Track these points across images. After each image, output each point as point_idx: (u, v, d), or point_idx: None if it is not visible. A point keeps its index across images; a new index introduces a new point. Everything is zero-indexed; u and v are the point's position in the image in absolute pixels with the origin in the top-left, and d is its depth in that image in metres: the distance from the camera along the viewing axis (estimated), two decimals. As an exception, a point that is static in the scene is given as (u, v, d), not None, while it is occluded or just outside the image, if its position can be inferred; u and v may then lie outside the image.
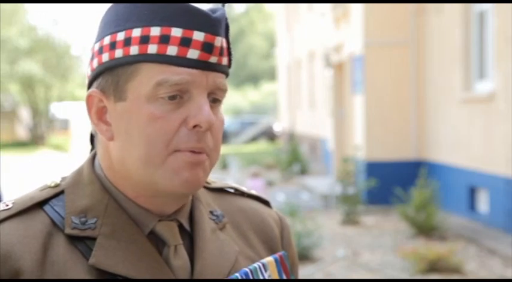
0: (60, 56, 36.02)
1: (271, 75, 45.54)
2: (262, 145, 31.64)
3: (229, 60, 1.14)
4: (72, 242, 1.09)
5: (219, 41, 1.10)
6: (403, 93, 12.01)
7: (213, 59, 1.10)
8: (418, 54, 11.91)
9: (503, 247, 8.12)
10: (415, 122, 12.00)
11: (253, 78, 52.93)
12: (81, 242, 1.09)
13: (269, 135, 33.46)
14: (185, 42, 1.08)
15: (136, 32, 1.09)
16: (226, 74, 1.14)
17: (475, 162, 9.88)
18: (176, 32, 1.08)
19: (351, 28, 12.95)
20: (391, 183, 11.28)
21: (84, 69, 38.18)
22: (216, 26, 1.09)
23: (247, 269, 1.17)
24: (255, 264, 1.19)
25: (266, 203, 1.32)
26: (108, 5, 1.14)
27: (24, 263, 1.05)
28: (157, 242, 1.13)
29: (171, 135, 1.08)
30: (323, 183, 13.95)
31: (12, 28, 34.81)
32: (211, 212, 1.21)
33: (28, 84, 35.41)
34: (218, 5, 1.13)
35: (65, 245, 1.08)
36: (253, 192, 1.33)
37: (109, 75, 1.11)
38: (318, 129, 18.61)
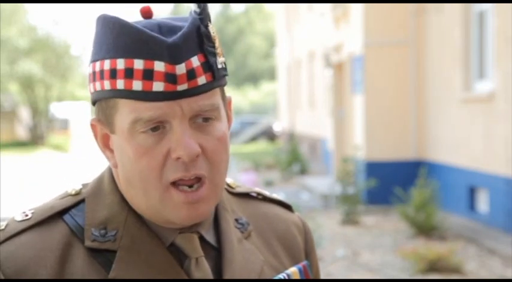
0: (60, 56, 36.01)
1: (271, 75, 45.54)
2: (262, 145, 31.65)
3: (213, 74, 1.06)
4: (91, 254, 1.07)
5: (182, 68, 1.03)
6: (403, 93, 12.01)
7: (182, 87, 1.03)
8: (418, 54, 11.90)
9: (503, 247, 8.12)
10: (415, 122, 11.99)
11: (253, 78, 52.95)
12: (101, 255, 1.07)
13: (269, 135, 33.48)
14: (147, 75, 1.03)
15: (107, 65, 1.06)
16: (218, 87, 1.08)
17: (475, 162, 9.87)
18: (138, 64, 1.03)
19: (351, 28, 12.95)
20: (391, 183, 11.28)
21: (84, 69, 38.21)
22: (174, 53, 1.02)
23: (273, 280, 1.17)
24: (280, 275, 1.19)
25: (288, 207, 1.31)
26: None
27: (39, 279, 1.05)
28: (178, 254, 1.11)
29: (158, 169, 1.05)
30: (323, 183, 13.95)
31: (12, 28, 34.79)
32: (236, 220, 1.20)
33: (28, 84, 35.40)
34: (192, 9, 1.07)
35: (84, 257, 1.07)
36: (275, 196, 1.31)
37: (100, 106, 1.10)
38: (318, 129, 18.60)
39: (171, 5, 56.87)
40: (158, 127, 1.05)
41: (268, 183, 15.50)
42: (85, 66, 38.01)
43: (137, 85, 1.03)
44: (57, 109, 39.38)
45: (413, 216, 9.27)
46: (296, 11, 22.58)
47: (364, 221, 10.51)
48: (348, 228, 10.07)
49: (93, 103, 1.12)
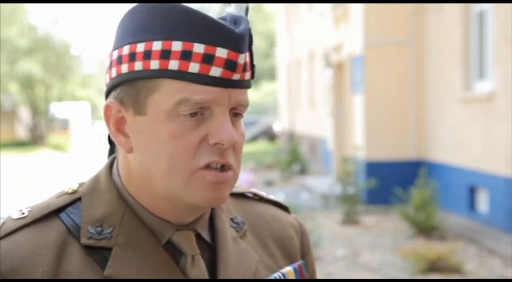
0: (60, 56, 36.02)
1: (271, 75, 45.54)
2: (262, 145, 31.63)
3: (252, 73, 1.12)
4: (87, 252, 1.07)
5: (243, 58, 1.07)
6: (403, 93, 12.01)
7: (236, 76, 1.07)
8: (418, 54, 11.91)
9: (503, 247, 8.12)
10: (415, 122, 11.99)
11: (253, 78, 52.91)
12: (97, 252, 1.07)
13: (269, 135, 33.46)
14: (208, 59, 1.05)
15: (157, 46, 1.05)
16: (249, 87, 1.12)
17: (475, 162, 9.87)
18: (198, 48, 1.05)
19: (351, 28, 12.95)
20: (391, 183, 11.28)
21: (84, 69, 38.26)
22: (239, 42, 1.06)
23: (267, 279, 1.17)
24: (275, 274, 1.19)
25: (285, 208, 1.31)
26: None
27: (34, 277, 1.05)
28: (174, 252, 1.11)
29: (192, 152, 1.06)
30: (323, 183, 13.95)
31: (12, 28, 34.79)
32: (231, 219, 1.21)
33: (28, 84, 35.41)
34: (241, 12, 1.10)
35: (79, 255, 1.07)
36: (272, 197, 1.32)
37: (128, 87, 1.08)
38: (318, 129, 18.60)
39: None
40: (196, 113, 1.06)
41: (268, 183, 15.50)
42: (85, 66, 38.11)
43: (194, 67, 1.05)
44: (57, 109, 39.40)
45: (413, 216, 9.27)
46: (296, 11, 22.58)
47: (364, 221, 10.52)
48: (348, 228, 10.07)
49: (117, 85, 1.10)
